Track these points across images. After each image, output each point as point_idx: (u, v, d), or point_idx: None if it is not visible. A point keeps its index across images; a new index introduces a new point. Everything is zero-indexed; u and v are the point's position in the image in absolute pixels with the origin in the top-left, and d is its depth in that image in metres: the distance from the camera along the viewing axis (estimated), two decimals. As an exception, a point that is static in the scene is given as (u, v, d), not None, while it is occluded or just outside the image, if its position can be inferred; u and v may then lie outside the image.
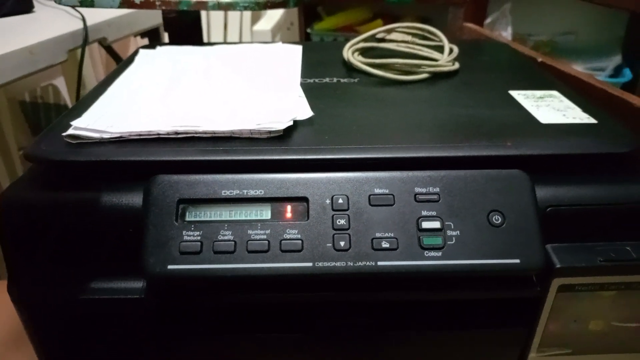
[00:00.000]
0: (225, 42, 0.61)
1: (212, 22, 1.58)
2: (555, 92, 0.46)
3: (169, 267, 0.32)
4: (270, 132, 0.37)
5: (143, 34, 0.93)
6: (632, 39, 1.05)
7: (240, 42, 0.73)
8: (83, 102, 0.43)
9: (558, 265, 0.33)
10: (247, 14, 1.55)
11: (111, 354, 0.37)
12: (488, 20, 1.12)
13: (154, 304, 0.34)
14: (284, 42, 0.60)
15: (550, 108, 0.43)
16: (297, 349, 0.38)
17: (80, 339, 0.37)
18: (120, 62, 0.57)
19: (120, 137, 0.36)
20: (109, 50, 0.87)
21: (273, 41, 0.63)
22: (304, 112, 0.40)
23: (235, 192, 0.34)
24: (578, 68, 0.96)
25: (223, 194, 0.34)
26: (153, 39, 0.94)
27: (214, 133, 0.37)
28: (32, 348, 0.36)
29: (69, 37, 0.73)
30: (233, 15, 1.56)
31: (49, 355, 0.37)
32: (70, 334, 0.36)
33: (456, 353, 0.39)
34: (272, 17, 1.38)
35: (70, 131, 0.36)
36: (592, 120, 0.40)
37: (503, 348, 0.38)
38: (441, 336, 0.38)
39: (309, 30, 1.38)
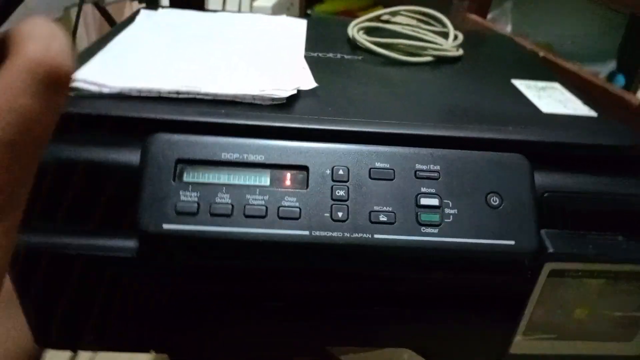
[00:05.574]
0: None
1: (210, -4, 1.55)
2: (556, 84, 0.46)
3: (164, 226, 0.31)
4: (273, 99, 0.37)
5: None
6: (629, 45, 1.07)
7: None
8: (81, 57, 0.41)
9: (551, 250, 0.33)
10: (247, -9, 1.52)
11: (100, 314, 0.36)
12: (489, 17, 1.12)
13: (146, 264, 0.34)
14: (287, 17, 0.59)
15: (552, 99, 0.43)
16: (281, 319, 0.38)
17: (70, 298, 0.36)
18: (115, 25, 0.56)
19: (120, 92, 0.35)
20: (104, 12, 0.84)
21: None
22: (308, 82, 0.40)
23: (235, 156, 0.33)
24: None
25: (223, 157, 0.33)
26: (151, 3, 0.92)
27: (216, 96, 0.37)
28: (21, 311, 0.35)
29: (65, -7, 0.71)
30: (232, -9, 1.54)
31: (37, 314, 0.37)
32: (59, 292, 0.36)
33: (442, 334, 0.39)
34: (273, -5, 1.36)
35: (68, 82, 0.35)
36: (593, 113, 0.41)
37: (489, 331, 0.39)
38: (428, 315, 0.38)
39: (309, 12, 1.37)
